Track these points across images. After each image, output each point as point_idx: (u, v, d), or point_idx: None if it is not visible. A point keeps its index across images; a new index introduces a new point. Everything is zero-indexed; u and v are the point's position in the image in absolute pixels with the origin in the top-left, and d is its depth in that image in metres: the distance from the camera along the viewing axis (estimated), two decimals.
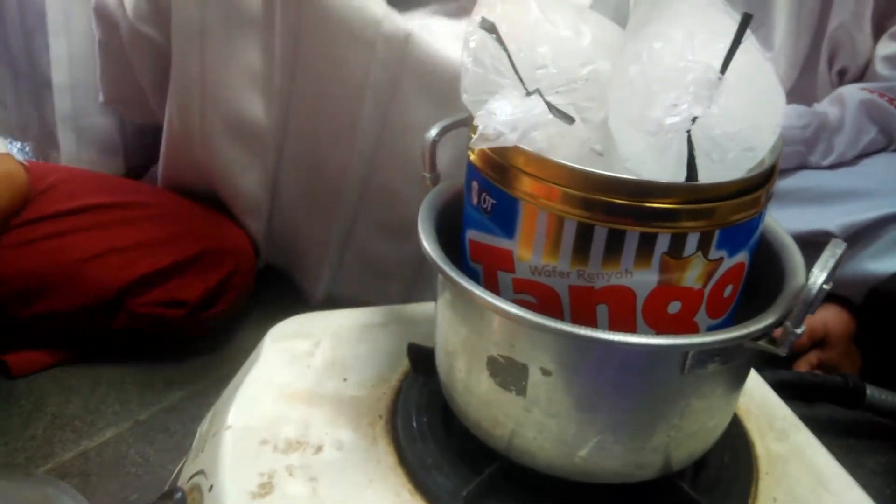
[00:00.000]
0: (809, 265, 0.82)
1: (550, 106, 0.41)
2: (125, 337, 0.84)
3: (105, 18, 0.83)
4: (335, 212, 0.88)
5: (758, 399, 0.66)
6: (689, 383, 0.47)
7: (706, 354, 0.46)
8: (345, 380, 0.64)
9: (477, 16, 0.44)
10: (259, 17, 0.79)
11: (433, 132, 0.56)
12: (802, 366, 0.88)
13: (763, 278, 0.52)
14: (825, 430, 0.84)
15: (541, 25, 0.43)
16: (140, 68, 0.86)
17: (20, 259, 0.79)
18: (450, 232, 0.54)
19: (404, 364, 0.65)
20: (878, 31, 0.95)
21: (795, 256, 0.52)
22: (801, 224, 0.87)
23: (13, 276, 0.79)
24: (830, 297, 0.89)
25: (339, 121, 0.82)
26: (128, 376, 0.85)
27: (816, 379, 0.81)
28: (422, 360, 0.62)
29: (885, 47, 0.95)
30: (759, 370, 0.72)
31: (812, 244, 0.87)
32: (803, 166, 0.92)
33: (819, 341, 0.89)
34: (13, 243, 0.79)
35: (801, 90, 0.99)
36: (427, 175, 0.58)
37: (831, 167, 0.92)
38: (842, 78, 0.98)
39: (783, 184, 0.91)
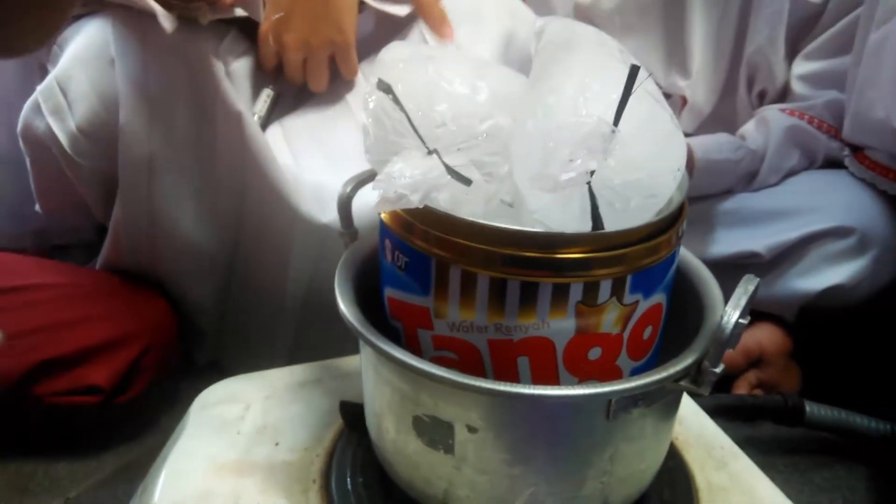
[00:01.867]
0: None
1: (448, 167, 0.40)
2: (34, 433, 0.80)
3: (34, 144, 0.80)
4: (279, 324, 0.88)
5: (695, 429, 0.66)
6: (615, 429, 0.47)
7: (629, 399, 0.45)
8: (277, 444, 0.62)
9: (374, 77, 0.44)
10: (203, 151, 0.79)
11: (347, 188, 0.55)
12: (742, 386, 0.89)
13: (687, 312, 0.53)
14: (769, 450, 0.86)
15: (437, 84, 0.43)
16: (84, 189, 0.84)
17: None
18: (372, 288, 0.53)
19: (339, 422, 0.64)
20: (792, 54, 0.97)
21: (713, 291, 0.52)
22: (729, 247, 0.89)
23: None
24: (764, 315, 0.90)
25: (280, 251, 0.82)
26: (55, 450, 0.82)
27: (755, 400, 0.81)
28: (355, 417, 0.61)
29: (800, 67, 0.97)
30: (695, 396, 0.72)
31: (741, 266, 0.89)
32: (730, 192, 0.94)
33: (756, 360, 0.90)
34: None
35: (721, 114, 1.00)
36: (344, 232, 0.57)
37: (755, 190, 0.93)
38: (762, 99, 1.01)
39: (709, 207, 0.92)
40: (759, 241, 0.88)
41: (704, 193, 0.93)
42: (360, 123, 0.81)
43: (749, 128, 0.95)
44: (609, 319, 0.45)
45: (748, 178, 0.93)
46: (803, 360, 0.92)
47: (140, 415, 0.84)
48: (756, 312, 0.86)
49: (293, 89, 0.88)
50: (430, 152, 0.42)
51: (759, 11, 0.94)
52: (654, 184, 0.42)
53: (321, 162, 0.81)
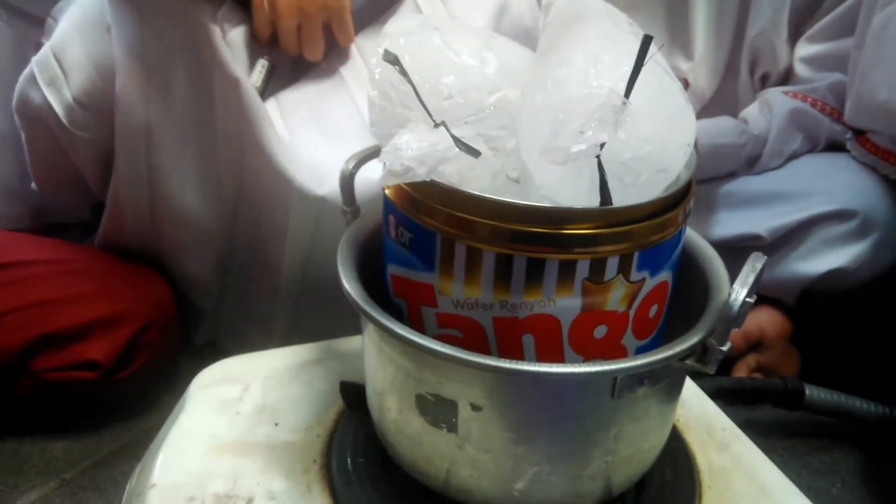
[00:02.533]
0: (736, 270, 0.83)
1: (456, 139, 0.40)
2: (31, 409, 0.79)
3: (30, 118, 0.79)
4: (278, 301, 0.87)
5: (696, 411, 0.65)
6: (620, 407, 0.46)
7: (634, 378, 0.45)
8: (276, 425, 0.61)
9: (381, 48, 0.43)
10: (202, 120, 0.78)
11: (350, 164, 0.55)
12: (741, 369, 0.89)
13: (692, 292, 0.52)
14: (768, 433, 0.86)
15: (444, 55, 0.42)
16: (81, 163, 0.82)
17: None
18: (374, 266, 0.53)
19: (339, 402, 0.63)
20: (795, 37, 0.96)
21: (719, 270, 0.52)
22: (730, 229, 0.88)
23: None
24: (764, 299, 0.90)
25: (276, 223, 0.81)
26: (52, 430, 0.81)
27: (755, 383, 0.81)
28: (356, 398, 0.60)
29: (803, 49, 0.96)
30: (696, 378, 0.71)
31: (742, 249, 0.89)
32: (732, 175, 0.93)
33: (755, 344, 0.89)
34: None
35: (722, 97, 1.00)
36: (346, 209, 0.56)
37: (758, 173, 0.93)
38: (764, 83, 1.00)
39: (711, 190, 0.92)
40: (760, 223, 0.87)
41: (707, 177, 0.92)
42: (355, 97, 0.81)
43: (752, 111, 0.95)
44: (615, 297, 0.45)
45: (751, 161, 0.92)
46: (803, 343, 0.92)
47: (138, 395, 0.84)
48: (756, 296, 0.86)
49: (289, 63, 0.87)
50: (437, 125, 0.41)
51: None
52: (665, 158, 0.41)
53: (316, 136, 0.80)
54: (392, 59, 0.42)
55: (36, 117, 0.78)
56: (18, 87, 0.78)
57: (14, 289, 0.77)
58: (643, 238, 0.44)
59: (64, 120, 0.76)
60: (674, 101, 0.41)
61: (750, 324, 0.88)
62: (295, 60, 0.87)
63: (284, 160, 0.77)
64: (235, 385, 0.65)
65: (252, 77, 0.83)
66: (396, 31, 0.43)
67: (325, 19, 0.80)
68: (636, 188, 0.41)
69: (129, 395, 0.83)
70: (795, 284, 0.87)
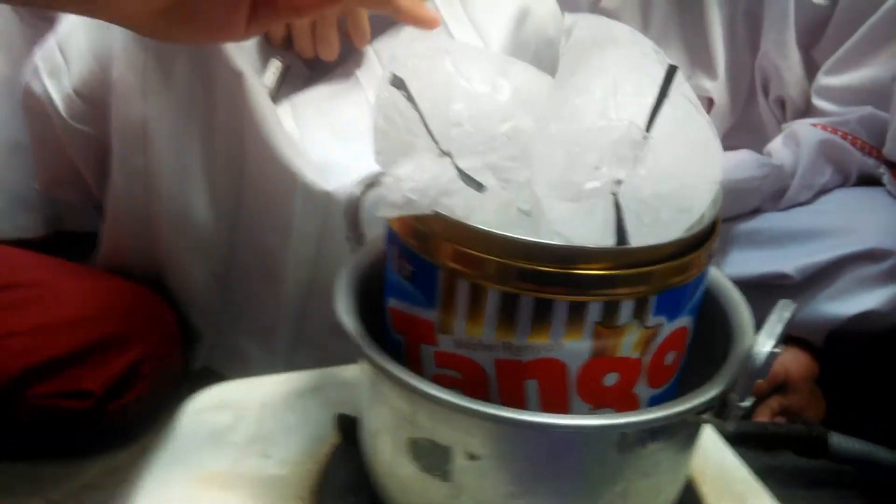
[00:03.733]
0: (767, 310, 0.79)
1: (461, 171, 0.37)
2: (21, 434, 0.77)
3: (35, 111, 0.77)
4: (283, 312, 0.83)
5: (714, 461, 0.61)
6: (628, 463, 0.43)
7: (645, 432, 0.41)
8: (267, 456, 0.58)
9: (387, 71, 0.40)
10: (201, 115, 0.75)
11: (356, 189, 0.52)
12: (764, 412, 0.85)
13: (713, 338, 0.49)
14: (790, 481, 0.81)
15: (455, 81, 0.39)
16: (79, 159, 0.81)
17: None
18: (376, 298, 0.50)
19: (335, 435, 0.60)
20: (807, 62, 0.93)
21: (744, 316, 0.48)
22: (757, 268, 0.84)
23: None
24: (790, 339, 0.86)
25: (280, 224, 0.78)
26: (42, 451, 0.78)
27: (778, 429, 0.77)
28: (352, 432, 0.57)
29: (823, 81, 0.93)
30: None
31: (769, 288, 0.85)
32: (758, 210, 0.89)
33: (780, 386, 0.85)
34: None
35: (748, 122, 0.97)
36: (350, 235, 0.53)
37: (786, 208, 0.89)
38: (783, 109, 0.96)
39: (737, 227, 0.88)
40: (789, 262, 0.83)
41: (727, 215, 0.88)
42: (370, 99, 0.78)
43: (776, 144, 0.91)
44: (629, 343, 0.41)
45: (776, 195, 0.88)
46: (829, 387, 0.87)
47: (131, 418, 0.81)
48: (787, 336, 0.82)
49: (305, 67, 0.84)
50: (443, 154, 0.38)
51: (768, 13, 0.90)
52: (688, 196, 0.38)
53: (326, 135, 0.77)
54: (398, 83, 0.39)
55: (38, 109, 0.77)
56: (24, 79, 0.77)
57: (13, 313, 0.75)
58: (662, 281, 0.41)
59: (63, 111, 0.75)
60: (700, 135, 0.38)
61: (775, 365, 0.84)
62: (311, 65, 0.84)
63: (290, 154, 0.74)
64: (228, 412, 0.62)
65: (264, 78, 0.81)
66: (405, 54, 0.41)
67: (339, 15, 0.78)
68: (655, 227, 0.38)
69: (123, 423, 0.80)
70: (824, 326, 0.83)
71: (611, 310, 0.40)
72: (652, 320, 0.41)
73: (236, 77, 0.72)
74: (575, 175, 0.34)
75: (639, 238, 0.38)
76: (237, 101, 0.73)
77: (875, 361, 0.85)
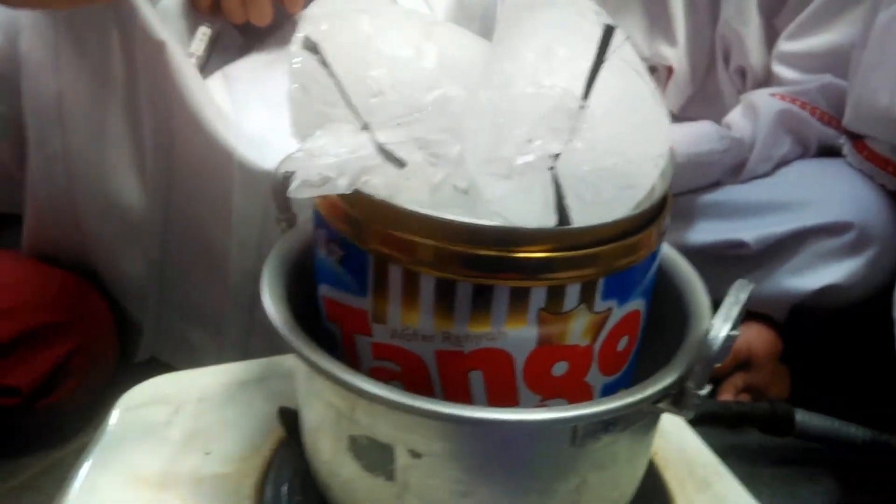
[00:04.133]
0: (725, 283, 0.76)
1: (380, 146, 0.33)
2: None
3: None
4: (230, 299, 0.79)
5: (676, 445, 0.59)
6: (583, 456, 0.40)
7: (598, 424, 0.39)
8: (207, 453, 0.55)
9: (300, 33, 0.37)
10: (122, 90, 0.70)
11: (282, 168, 0.48)
12: (727, 390, 0.83)
13: (669, 318, 0.46)
14: (755, 460, 0.80)
15: (375, 44, 0.35)
16: None
17: None
18: (309, 284, 0.46)
19: (280, 429, 0.57)
20: (769, 32, 0.90)
21: (700, 297, 0.45)
22: (715, 235, 0.82)
23: None
24: (753, 315, 0.84)
25: (218, 206, 0.73)
26: None
27: (742, 408, 0.75)
28: (296, 426, 0.54)
29: (783, 46, 0.90)
30: None
31: (727, 258, 0.83)
32: (717, 184, 0.87)
33: (743, 363, 0.83)
34: None
35: (707, 92, 0.94)
36: (280, 217, 0.50)
37: (746, 181, 0.87)
38: (743, 79, 0.94)
39: (693, 201, 0.86)
40: (746, 231, 0.81)
41: (691, 187, 0.86)
42: None
43: (735, 115, 0.88)
44: (577, 329, 0.39)
45: (736, 168, 0.86)
46: (793, 363, 0.86)
47: (66, 414, 0.77)
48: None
49: (238, 37, 0.80)
50: (363, 127, 0.35)
51: None
52: (632, 172, 0.35)
53: (261, 108, 0.73)
54: (311, 47, 0.36)
55: None
56: None
57: None
58: (610, 262, 0.38)
59: None
60: (643, 105, 0.35)
61: (737, 341, 0.82)
62: (243, 31, 0.80)
63: (222, 129, 0.70)
64: (165, 407, 0.59)
65: (192, 46, 0.76)
66: (319, 14, 0.37)
67: None
68: (599, 206, 0.35)
69: (54, 421, 0.76)
70: (786, 301, 0.81)
71: (555, 295, 0.37)
72: (601, 305, 0.39)
73: (158, 46, 0.67)
74: (505, 149, 0.31)
75: (582, 217, 0.35)
76: (161, 73, 0.68)
77: (838, 336, 0.84)
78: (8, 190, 0.86)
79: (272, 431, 0.57)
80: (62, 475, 0.68)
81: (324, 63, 0.35)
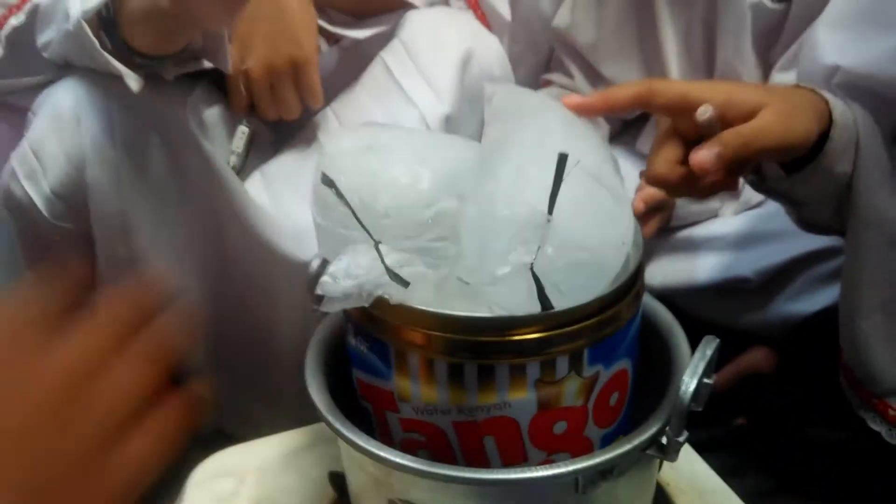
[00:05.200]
0: (733, 311, 0.82)
1: (387, 268, 0.41)
2: None
3: (17, 212, 0.81)
4: (283, 373, 0.88)
5: (687, 474, 0.65)
6: (588, 501, 0.47)
7: (596, 473, 0.45)
8: None
9: (319, 170, 0.45)
10: (176, 201, 0.80)
11: (315, 264, 0.56)
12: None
13: (662, 369, 0.52)
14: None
15: (378, 175, 0.43)
16: (65, 252, 0.84)
17: None
18: (346, 363, 0.54)
19: (332, 492, 0.64)
20: (764, 68, 0.96)
21: (682, 350, 0.52)
22: (717, 273, 0.88)
23: None
24: (758, 339, 0.89)
25: (265, 293, 0.82)
26: None
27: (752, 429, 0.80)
28: (345, 488, 0.61)
29: (776, 78, 0.96)
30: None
31: (733, 290, 0.88)
32: (714, 217, 0.93)
33: (751, 379, 0.88)
34: None
35: None
36: (315, 308, 0.57)
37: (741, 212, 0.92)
38: None
39: (698, 233, 0.91)
40: (747, 265, 0.87)
41: (689, 221, 0.92)
42: None
43: None
44: (570, 392, 0.45)
45: (731, 199, 0.92)
46: (798, 383, 0.90)
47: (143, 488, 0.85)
48: (750, 336, 0.86)
49: (269, 133, 0.89)
50: (375, 245, 0.42)
51: (724, 22, 0.93)
52: (599, 261, 0.42)
53: (298, 203, 0.81)
54: (328, 182, 0.43)
55: (20, 209, 0.81)
56: (2, 182, 0.81)
57: None
58: (593, 334, 0.45)
59: (44, 212, 0.79)
60: (602, 205, 0.42)
61: (745, 362, 0.87)
62: (274, 128, 0.89)
63: (265, 229, 0.79)
64: (230, 478, 0.66)
65: (233, 144, 0.85)
66: (333, 153, 0.45)
67: (292, 71, 0.82)
68: (574, 292, 0.42)
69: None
70: (785, 325, 0.86)
71: (548, 366, 0.44)
72: (588, 370, 0.45)
73: (207, 162, 0.76)
74: (488, 262, 0.38)
75: (561, 303, 0.42)
76: (210, 183, 0.77)
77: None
78: None
79: (325, 494, 0.64)
80: None
81: (339, 195, 0.43)
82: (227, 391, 0.93)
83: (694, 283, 0.89)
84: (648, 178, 0.56)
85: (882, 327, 0.64)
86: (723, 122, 0.53)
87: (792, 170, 0.60)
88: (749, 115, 0.53)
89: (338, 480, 0.63)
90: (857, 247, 0.62)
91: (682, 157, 0.54)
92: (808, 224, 0.70)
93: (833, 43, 0.63)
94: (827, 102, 0.58)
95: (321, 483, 0.65)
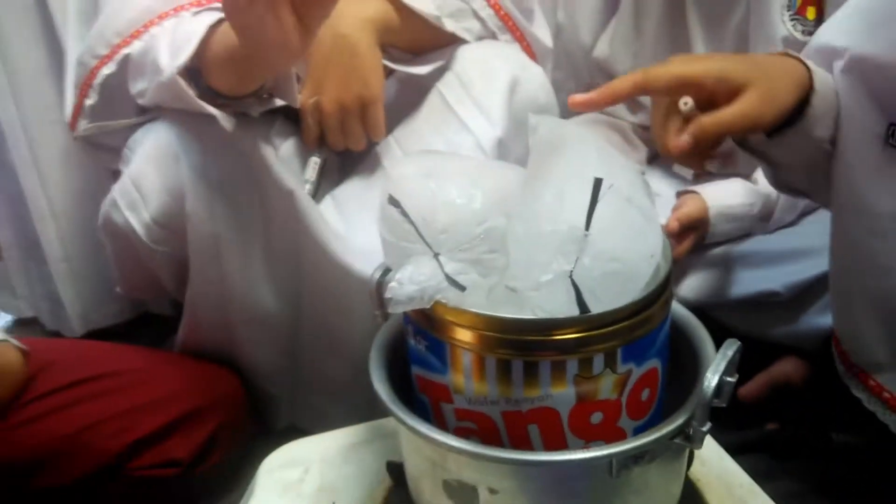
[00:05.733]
0: (763, 324, 0.87)
1: (447, 276, 0.48)
2: (128, 500, 0.89)
3: (114, 235, 0.90)
4: (353, 373, 0.95)
5: (716, 470, 0.70)
6: (621, 484, 0.53)
7: (629, 458, 0.51)
8: (334, 503, 0.69)
9: (385, 193, 0.52)
10: (261, 229, 0.88)
11: (377, 273, 0.63)
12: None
13: (688, 368, 0.58)
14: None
15: (437, 197, 0.50)
16: (160, 272, 0.94)
17: (22, 438, 0.84)
18: (405, 364, 0.60)
19: (388, 480, 0.70)
20: None
21: (707, 350, 0.57)
22: (749, 287, 0.93)
23: (14, 456, 0.84)
24: (792, 350, 0.93)
25: (340, 306, 0.91)
26: None
27: (783, 434, 0.85)
28: (401, 476, 0.68)
29: None
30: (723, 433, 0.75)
31: (762, 304, 0.93)
32: (749, 234, 0.98)
33: (782, 388, 0.93)
34: (14, 424, 0.85)
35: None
36: (377, 313, 0.64)
37: (774, 230, 0.97)
38: None
39: (732, 251, 0.97)
40: (777, 280, 0.91)
41: (723, 239, 0.97)
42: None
43: (760, 172, 0.99)
44: (606, 387, 0.51)
45: (764, 219, 0.97)
46: (826, 391, 0.94)
47: (214, 480, 0.93)
48: (781, 347, 0.90)
49: (337, 160, 0.97)
50: (434, 256, 0.49)
51: (754, 49, 0.99)
52: (631, 270, 0.48)
53: (368, 225, 0.89)
54: (395, 203, 0.51)
55: (119, 235, 0.90)
56: (103, 210, 0.90)
57: (109, 397, 0.88)
58: (627, 335, 0.51)
59: (144, 238, 0.87)
60: (635, 222, 0.48)
61: (776, 371, 0.92)
62: (342, 157, 0.97)
63: (340, 252, 0.87)
64: (297, 468, 0.73)
65: (306, 174, 0.94)
66: (398, 177, 0.52)
67: (360, 108, 0.90)
68: (609, 298, 0.48)
69: (209, 483, 0.92)
70: (817, 337, 0.90)
71: (586, 363, 0.50)
72: (622, 367, 0.51)
73: (288, 194, 0.85)
74: (532, 272, 0.45)
75: (597, 307, 0.48)
76: (290, 213, 0.86)
77: None
78: (163, 300, 1.05)
79: (382, 482, 0.70)
80: None
81: (403, 213, 0.50)
82: (300, 389, 1.01)
83: (728, 297, 0.94)
84: (663, 150, 0.62)
85: (870, 312, 0.69)
86: (711, 96, 0.60)
87: (773, 133, 0.66)
88: (735, 93, 0.60)
89: (394, 469, 0.69)
90: (840, 234, 0.67)
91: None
92: (783, 186, 0.77)
93: (844, 28, 0.67)
94: (809, 70, 0.64)
95: (379, 472, 0.71)
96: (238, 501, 0.74)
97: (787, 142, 0.66)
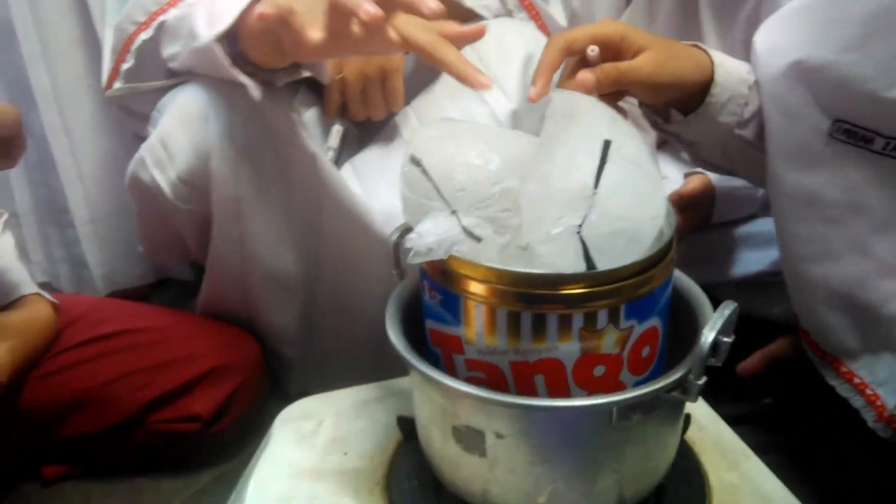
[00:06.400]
0: (767, 301, 0.90)
1: (464, 228, 0.51)
2: (143, 453, 0.93)
3: (142, 195, 0.93)
4: (365, 339, 0.99)
5: (712, 433, 0.74)
6: (620, 433, 0.56)
7: (627, 408, 0.54)
8: (346, 454, 0.73)
9: (408, 153, 0.55)
10: (283, 190, 0.91)
11: (394, 235, 0.66)
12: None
13: (692, 331, 0.61)
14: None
15: (456, 158, 0.53)
16: (183, 230, 0.97)
17: (51, 388, 0.89)
18: (419, 319, 0.64)
19: (398, 434, 0.74)
20: None
21: (706, 312, 0.61)
22: (752, 266, 0.96)
23: (44, 404, 0.89)
24: (788, 328, 0.96)
25: (359, 268, 0.95)
26: (160, 466, 0.95)
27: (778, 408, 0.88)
28: (410, 430, 0.71)
29: None
30: (720, 405, 0.79)
31: (762, 285, 0.96)
32: (753, 216, 1.01)
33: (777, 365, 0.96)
34: (44, 373, 0.89)
35: None
36: (394, 272, 0.68)
37: None
38: None
39: (737, 231, 1.00)
40: (776, 262, 0.94)
41: (729, 219, 1.00)
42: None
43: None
44: (608, 342, 0.55)
45: (767, 201, 1.00)
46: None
47: (232, 435, 0.97)
48: (779, 326, 0.93)
49: (356, 130, 1.00)
50: (452, 212, 0.53)
51: None
52: (635, 230, 0.51)
53: (386, 190, 0.93)
54: (416, 162, 0.54)
55: (146, 193, 0.93)
56: (130, 168, 0.93)
57: (134, 353, 0.92)
58: (630, 293, 0.54)
59: (170, 195, 0.91)
60: (640, 185, 0.51)
61: (768, 350, 0.94)
62: (361, 127, 1.00)
63: (359, 212, 0.90)
64: (311, 420, 0.77)
65: (330, 141, 0.98)
66: (420, 139, 0.55)
67: (381, 78, 0.94)
68: (615, 255, 0.51)
69: (225, 439, 0.96)
70: None
71: (590, 318, 0.53)
72: (624, 324, 0.55)
73: (311, 158, 0.88)
74: (544, 225, 0.48)
75: (603, 264, 0.51)
76: (313, 176, 0.89)
77: None
78: (179, 265, 1.09)
79: (393, 435, 0.74)
80: (231, 482, 0.88)
81: (424, 172, 0.53)
82: (315, 356, 1.04)
83: (730, 276, 0.97)
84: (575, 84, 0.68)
85: (833, 300, 0.73)
86: (616, 53, 0.69)
87: (687, 114, 0.75)
88: (635, 53, 0.69)
89: (405, 424, 0.73)
90: (791, 225, 0.74)
91: None
92: (702, 161, 0.85)
93: (786, 29, 0.72)
94: (712, 62, 0.73)
95: (390, 427, 0.75)
96: (250, 459, 0.78)
97: (694, 124, 0.76)
